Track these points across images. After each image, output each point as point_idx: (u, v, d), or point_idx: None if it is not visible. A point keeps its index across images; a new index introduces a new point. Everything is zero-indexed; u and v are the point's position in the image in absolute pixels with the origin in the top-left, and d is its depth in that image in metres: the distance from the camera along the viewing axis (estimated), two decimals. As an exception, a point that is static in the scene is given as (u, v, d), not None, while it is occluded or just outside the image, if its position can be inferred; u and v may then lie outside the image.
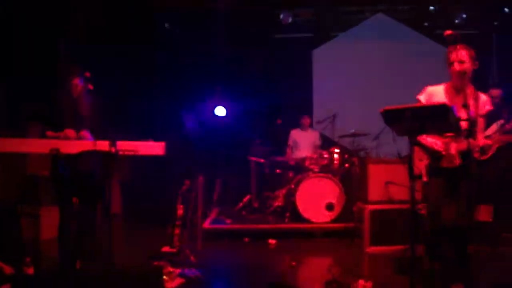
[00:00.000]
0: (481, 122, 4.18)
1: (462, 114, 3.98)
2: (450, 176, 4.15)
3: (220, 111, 8.98)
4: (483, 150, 4.06)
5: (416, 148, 4.36)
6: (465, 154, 4.11)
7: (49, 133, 4.48)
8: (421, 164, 4.23)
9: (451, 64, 4.11)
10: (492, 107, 4.09)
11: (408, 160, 3.75)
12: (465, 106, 3.90)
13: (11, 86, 7.13)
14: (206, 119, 8.83)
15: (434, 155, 4.17)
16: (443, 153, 4.16)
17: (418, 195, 4.21)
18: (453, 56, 4.08)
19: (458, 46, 4.08)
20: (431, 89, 4.32)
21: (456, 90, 4.20)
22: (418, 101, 4.32)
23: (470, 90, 4.18)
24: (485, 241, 5.36)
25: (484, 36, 9.43)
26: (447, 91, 4.25)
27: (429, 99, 4.26)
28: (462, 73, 4.07)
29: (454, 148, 4.13)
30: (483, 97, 4.19)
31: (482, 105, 4.15)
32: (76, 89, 4.62)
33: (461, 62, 4.07)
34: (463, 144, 4.05)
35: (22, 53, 6.88)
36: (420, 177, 4.16)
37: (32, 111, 6.48)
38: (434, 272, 4.21)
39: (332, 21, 9.94)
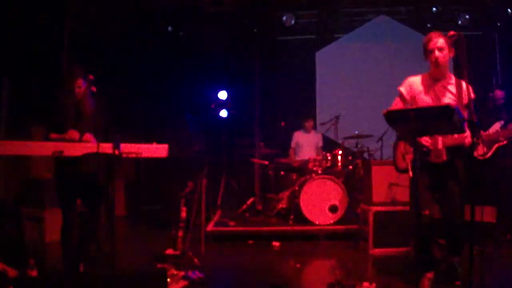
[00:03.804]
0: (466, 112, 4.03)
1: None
2: (437, 171, 4.12)
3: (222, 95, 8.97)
4: (472, 144, 3.88)
5: (402, 143, 4.38)
6: (453, 149, 4.08)
7: (53, 135, 4.47)
8: (406, 158, 4.23)
9: (430, 51, 4.09)
10: (475, 96, 4.00)
11: (410, 162, 3.74)
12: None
13: (13, 87, 7.13)
14: (209, 121, 8.83)
15: (421, 149, 4.11)
16: (430, 147, 4.12)
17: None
18: (432, 44, 4.07)
19: (435, 34, 4.10)
20: (411, 79, 4.34)
21: (434, 79, 4.21)
22: (399, 92, 4.34)
23: (451, 79, 4.17)
24: (489, 243, 5.35)
25: (487, 36, 9.42)
26: (424, 81, 4.26)
27: (409, 90, 4.28)
28: (440, 62, 4.07)
29: (441, 142, 4.09)
30: (463, 84, 4.08)
31: (464, 94, 4.05)
32: (79, 90, 4.61)
33: (440, 49, 4.06)
34: (450, 139, 4.04)
35: (24, 51, 6.87)
36: (406, 171, 4.13)
37: (35, 113, 6.49)
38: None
39: (334, 23, 9.94)
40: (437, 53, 4.05)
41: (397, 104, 4.35)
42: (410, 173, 3.94)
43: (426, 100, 4.19)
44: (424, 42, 4.16)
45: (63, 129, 4.45)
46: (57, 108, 4.65)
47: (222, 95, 8.98)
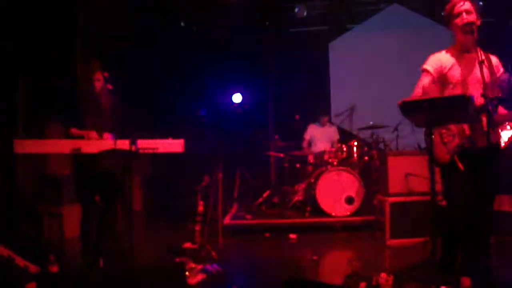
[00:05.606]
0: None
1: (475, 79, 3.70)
2: (483, 158, 3.59)
3: (237, 98, 9.01)
4: None
5: (437, 133, 3.85)
6: (496, 132, 3.64)
7: (74, 130, 4.54)
8: (449, 146, 3.74)
9: (457, 16, 3.72)
10: (503, 69, 3.72)
11: (428, 151, 3.66)
12: (482, 62, 3.43)
13: (28, 85, 7.17)
14: (225, 114, 8.85)
15: (464, 135, 3.66)
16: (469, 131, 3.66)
17: (438, 186, 3.91)
18: (457, 7, 3.72)
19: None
20: (437, 56, 3.90)
21: (462, 50, 3.83)
22: (426, 71, 3.88)
23: (479, 52, 3.55)
24: (506, 232, 5.30)
25: (501, 23, 9.30)
26: (451, 55, 3.86)
27: (440, 68, 3.83)
28: (470, 25, 3.64)
29: (485, 122, 3.49)
30: (493, 59, 3.81)
31: (496, 68, 3.77)
32: (98, 83, 4.67)
33: (468, 12, 3.68)
34: (499, 116, 3.63)
35: (39, 48, 6.89)
36: (450, 164, 3.71)
37: (54, 108, 6.56)
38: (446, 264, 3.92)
39: (347, 14, 9.90)
40: (465, 15, 3.68)
41: (422, 86, 3.88)
42: (460, 166, 3.59)
43: (456, 76, 3.79)
44: (447, 8, 3.78)
45: (83, 123, 4.51)
46: (77, 99, 4.72)
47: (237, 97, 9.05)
